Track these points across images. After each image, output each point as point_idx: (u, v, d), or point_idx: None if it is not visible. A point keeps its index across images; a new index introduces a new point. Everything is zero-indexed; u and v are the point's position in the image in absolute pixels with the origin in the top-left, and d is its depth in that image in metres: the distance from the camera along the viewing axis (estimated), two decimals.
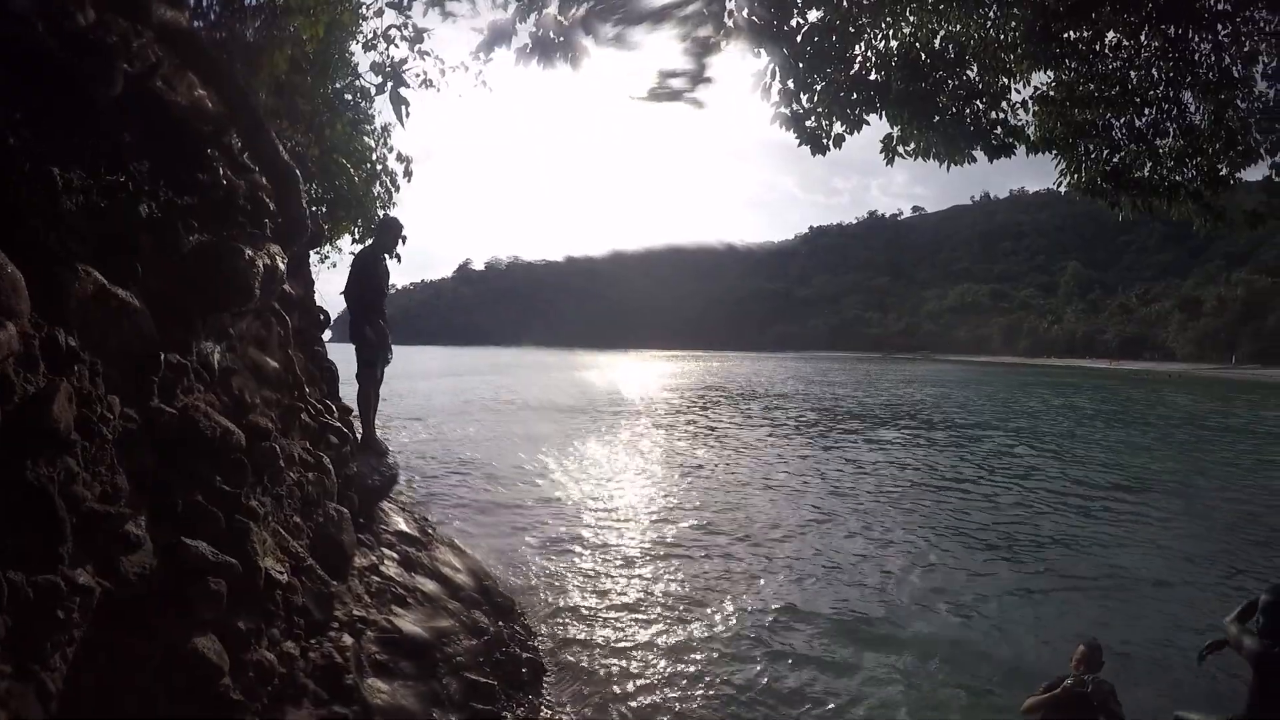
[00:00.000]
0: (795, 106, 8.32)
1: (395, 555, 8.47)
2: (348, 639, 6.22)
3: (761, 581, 11.81)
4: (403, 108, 9.63)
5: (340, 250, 12.36)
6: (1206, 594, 11.47)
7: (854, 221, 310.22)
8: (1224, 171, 8.77)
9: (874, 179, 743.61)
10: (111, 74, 4.98)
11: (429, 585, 8.37)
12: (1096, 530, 15.32)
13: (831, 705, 8.09)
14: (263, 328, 7.02)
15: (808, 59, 7.93)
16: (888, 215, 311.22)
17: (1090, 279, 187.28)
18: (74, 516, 3.76)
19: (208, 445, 5.20)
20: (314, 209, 8.99)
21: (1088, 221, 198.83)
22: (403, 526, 9.29)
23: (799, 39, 7.78)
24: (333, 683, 5.67)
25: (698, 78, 8.12)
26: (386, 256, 10.20)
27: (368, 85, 10.64)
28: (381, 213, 11.75)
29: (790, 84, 8.13)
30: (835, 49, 8.05)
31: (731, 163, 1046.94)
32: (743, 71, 8.41)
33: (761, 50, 7.80)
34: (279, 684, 5.15)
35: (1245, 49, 8.11)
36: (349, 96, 10.61)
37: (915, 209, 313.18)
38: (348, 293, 10.00)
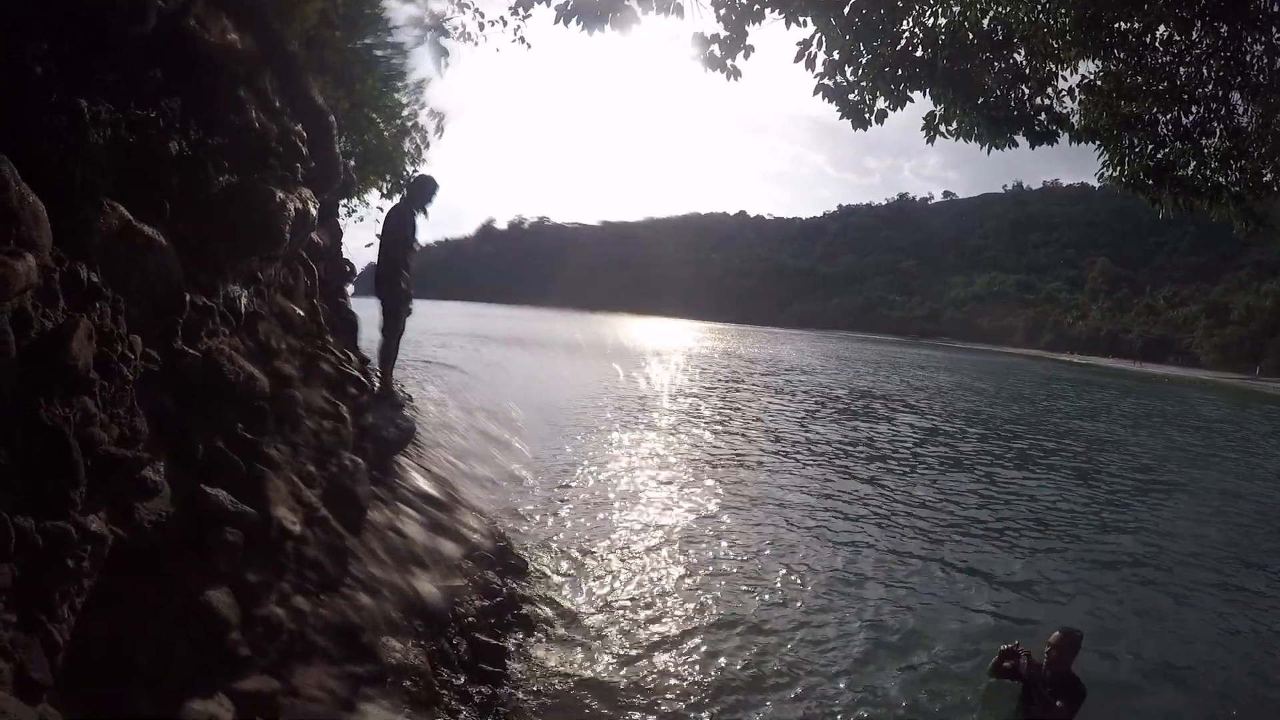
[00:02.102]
0: (839, 79, 8.19)
1: (412, 512, 8.44)
2: (365, 598, 6.19)
3: (783, 557, 11.78)
4: (442, 59, 9.54)
5: (368, 204, 12.32)
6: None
7: (884, 203, 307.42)
8: (1268, 177, 8.62)
9: (906, 161, 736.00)
10: (144, 9, 4.89)
11: (446, 545, 8.36)
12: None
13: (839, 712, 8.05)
14: (290, 275, 6.99)
15: (854, 31, 7.79)
16: (918, 198, 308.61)
17: (1119, 277, 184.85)
18: (89, 460, 3.69)
19: (231, 390, 5.16)
20: (344, 161, 8.93)
21: (1120, 218, 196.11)
22: (420, 483, 9.25)
23: (846, 10, 7.64)
24: (348, 642, 5.64)
25: (738, 45, 7.99)
26: (415, 212, 10.14)
27: (402, 40, 10.54)
28: (412, 168, 11.70)
29: (835, 55, 8.00)
30: (883, 22, 7.91)
31: (762, 135, 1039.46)
32: (784, 41, 8.28)
33: (807, 20, 7.66)
34: (288, 640, 5.10)
35: None
36: (379, 53, 10.51)
37: (946, 194, 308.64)
38: (380, 244, 10.00)
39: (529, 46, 10.43)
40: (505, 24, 10.10)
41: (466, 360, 28.28)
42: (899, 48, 8.14)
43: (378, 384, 9.76)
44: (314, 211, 6.65)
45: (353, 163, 10.28)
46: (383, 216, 10.31)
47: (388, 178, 11.76)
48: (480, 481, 12.09)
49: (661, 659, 8.17)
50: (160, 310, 4.59)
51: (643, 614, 9.16)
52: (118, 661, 3.91)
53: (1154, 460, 25.24)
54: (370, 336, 10.40)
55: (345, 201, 11.28)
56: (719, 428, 24.27)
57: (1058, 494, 18.52)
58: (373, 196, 12.14)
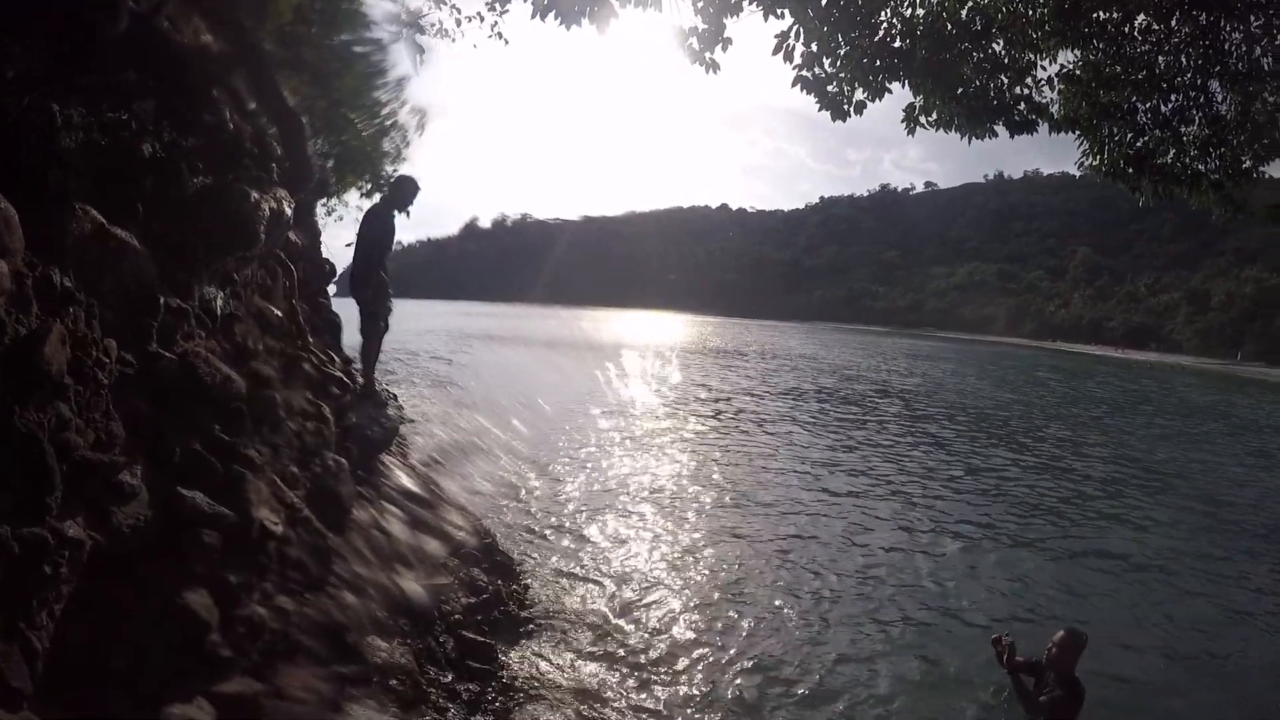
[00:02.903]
0: (818, 70, 8.18)
1: (396, 510, 8.40)
2: (350, 597, 6.16)
3: (781, 553, 11.74)
4: (419, 56, 9.49)
5: (346, 204, 12.24)
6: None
7: (866, 194, 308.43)
8: (1247, 164, 8.69)
9: (887, 152, 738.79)
10: (116, 10, 4.85)
11: (431, 543, 8.33)
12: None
13: (824, 693, 8.02)
14: (268, 276, 6.94)
15: (832, 22, 7.78)
16: (900, 189, 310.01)
17: (1099, 265, 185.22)
18: (64, 465, 3.67)
19: (207, 392, 5.12)
20: (320, 161, 8.87)
21: (1100, 207, 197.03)
22: (405, 481, 9.21)
23: (824, 1, 7.63)
24: (333, 641, 5.60)
25: (716, 38, 7.97)
26: (396, 213, 10.08)
27: (381, 36, 10.46)
28: (392, 168, 11.62)
29: (814, 47, 7.99)
30: (861, 13, 7.90)
31: (742, 128, 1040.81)
32: (762, 34, 8.29)
33: (785, 11, 7.64)
34: (271, 640, 5.06)
35: (1277, 41, 7.99)
36: (358, 49, 10.42)
37: (928, 184, 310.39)
38: (357, 245, 9.92)
39: (506, 42, 10.40)
40: (482, 20, 10.05)
41: (452, 356, 28.27)
42: (877, 39, 8.14)
43: (360, 383, 9.71)
44: (289, 212, 6.60)
45: (330, 163, 10.21)
46: (361, 216, 10.24)
47: (367, 177, 11.68)
48: (466, 478, 12.04)
49: (651, 655, 8.16)
50: (135, 313, 4.55)
51: (633, 610, 9.14)
52: (96, 667, 3.88)
53: (1147, 445, 25.31)
54: (354, 337, 10.33)
55: (324, 201, 11.21)
56: (709, 420, 24.25)
57: (1057, 483, 18.43)
58: (352, 196, 12.06)
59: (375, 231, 9.88)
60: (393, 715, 5.63)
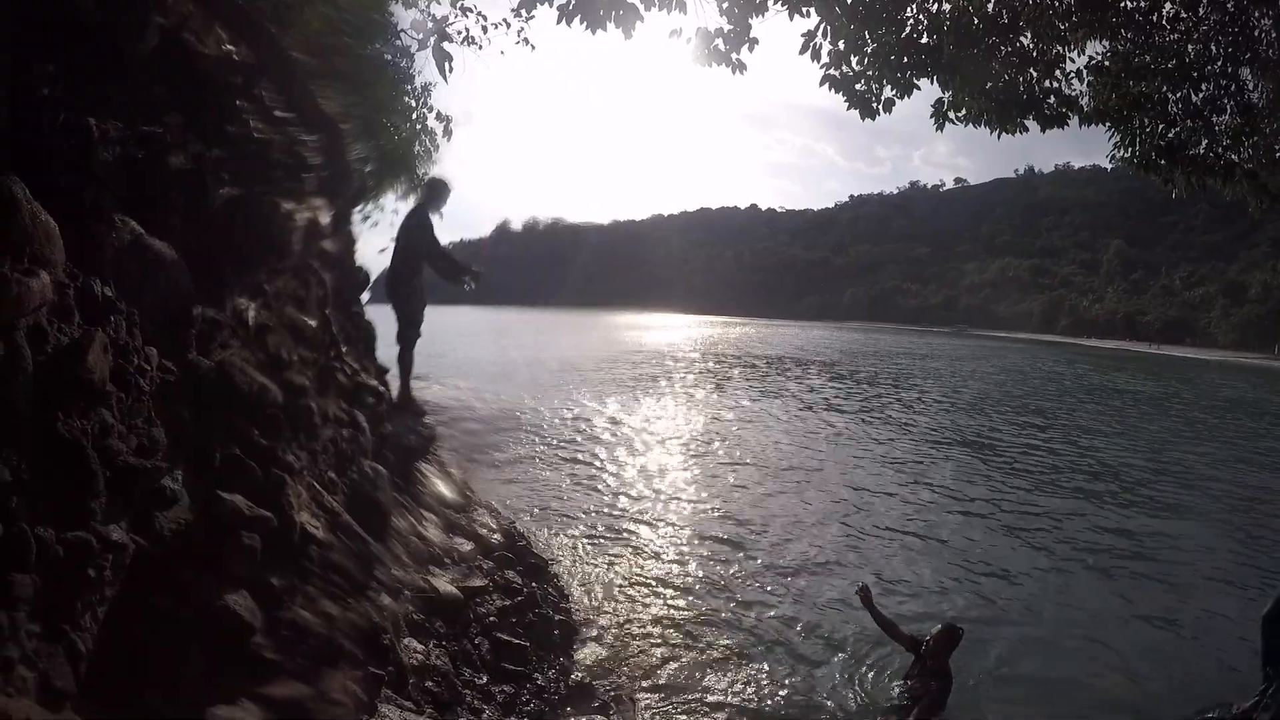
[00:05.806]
0: (845, 69, 8.18)
1: (434, 516, 8.46)
2: (386, 599, 6.20)
3: (804, 560, 11.71)
4: (446, 64, 9.54)
5: (382, 209, 12.29)
6: None
7: (895, 191, 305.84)
8: None
9: (916, 149, 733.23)
10: (145, 26, 4.94)
11: (466, 547, 8.40)
12: None
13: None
14: (300, 287, 6.98)
15: (859, 20, 7.78)
16: (930, 186, 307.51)
17: (1133, 258, 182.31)
18: (108, 470, 3.72)
19: (244, 399, 5.18)
20: (359, 167, 8.94)
21: (1133, 199, 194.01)
22: (442, 488, 9.27)
23: None
24: (372, 644, 5.64)
25: (742, 39, 7.98)
26: (433, 215, 10.14)
27: (408, 44, 10.52)
28: (427, 167, 11.68)
29: (840, 45, 7.99)
30: (887, 10, 7.89)
31: (770, 128, 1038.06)
32: (788, 33, 8.28)
33: (811, 10, 7.65)
34: (316, 644, 5.09)
35: None
36: (389, 57, 10.49)
37: (958, 180, 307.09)
38: (394, 250, 9.99)
39: (533, 48, 10.41)
40: (508, 26, 10.07)
41: (488, 358, 28.36)
42: (904, 35, 8.11)
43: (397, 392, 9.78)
44: (324, 221, 6.67)
45: (369, 167, 10.28)
46: (398, 220, 10.30)
47: (404, 178, 11.73)
48: (500, 484, 12.11)
49: (685, 658, 8.17)
50: (173, 322, 4.62)
51: (668, 614, 9.16)
52: (139, 667, 3.93)
53: (1169, 439, 24.95)
54: (390, 345, 10.39)
55: (359, 208, 11.28)
56: (748, 426, 24.17)
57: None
58: (388, 200, 12.10)
59: (413, 235, 9.95)
60: (428, 717, 5.67)
